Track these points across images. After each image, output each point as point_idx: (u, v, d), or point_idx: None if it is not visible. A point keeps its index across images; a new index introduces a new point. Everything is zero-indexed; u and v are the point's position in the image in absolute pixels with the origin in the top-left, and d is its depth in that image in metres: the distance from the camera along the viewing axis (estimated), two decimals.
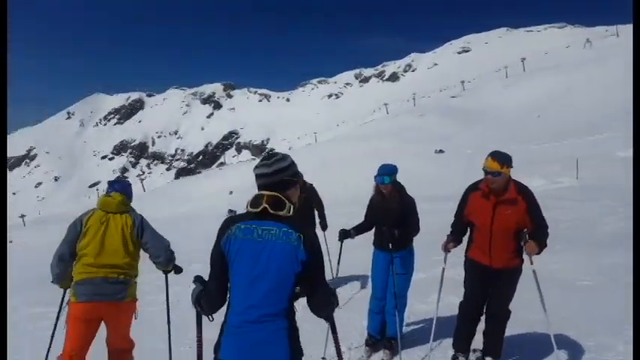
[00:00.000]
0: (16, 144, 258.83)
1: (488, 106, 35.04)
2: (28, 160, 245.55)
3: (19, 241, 39.28)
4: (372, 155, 27.82)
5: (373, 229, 5.09)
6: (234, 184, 28.14)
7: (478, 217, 4.02)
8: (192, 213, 24.28)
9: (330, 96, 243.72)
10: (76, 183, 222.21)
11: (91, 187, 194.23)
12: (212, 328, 2.42)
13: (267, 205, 2.22)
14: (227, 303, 2.29)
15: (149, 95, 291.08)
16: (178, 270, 4.13)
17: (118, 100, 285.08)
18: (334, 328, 2.57)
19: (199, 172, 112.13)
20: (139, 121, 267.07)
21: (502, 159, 3.72)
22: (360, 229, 5.08)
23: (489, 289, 4.13)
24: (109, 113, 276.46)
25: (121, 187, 3.97)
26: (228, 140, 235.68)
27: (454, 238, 4.30)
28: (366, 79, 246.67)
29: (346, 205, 16.21)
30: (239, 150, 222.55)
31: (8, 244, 35.77)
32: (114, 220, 3.71)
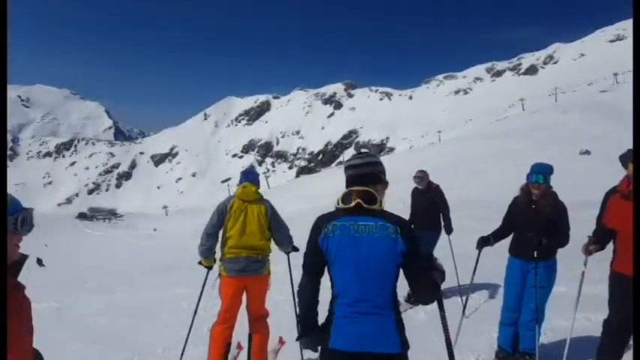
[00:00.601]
0: (162, 142, 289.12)
1: None
2: (170, 158, 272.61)
3: (162, 228, 43.67)
4: (502, 156, 25.93)
5: (511, 236, 4.68)
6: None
7: (619, 223, 3.53)
8: (311, 210, 24.64)
9: (457, 92, 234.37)
10: (210, 179, 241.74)
11: (223, 182, 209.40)
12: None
13: (360, 200, 2.22)
14: (331, 297, 2.33)
15: (275, 97, 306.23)
16: (296, 249, 4.60)
17: (248, 102, 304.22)
18: (442, 304, 2.42)
19: (319, 171, 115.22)
20: (266, 122, 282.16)
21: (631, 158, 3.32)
22: (498, 236, 4.70)
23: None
24: (240, 115, 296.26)
25: (253, 177, 4.53)
26: (348, 139, 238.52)
27: (596, 240, 3.82)
28: (499, 73, 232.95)
29: (472, 208, 15.20)
30: (358, 149, 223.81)
31: (152, 232, 39.96)
32: (250, 207, 4.31)
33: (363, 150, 2.19)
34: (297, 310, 2.48)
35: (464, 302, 5.17)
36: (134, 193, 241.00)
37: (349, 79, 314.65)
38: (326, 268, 2.35)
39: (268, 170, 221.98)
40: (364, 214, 2.23)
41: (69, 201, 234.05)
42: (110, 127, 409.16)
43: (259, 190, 4.50)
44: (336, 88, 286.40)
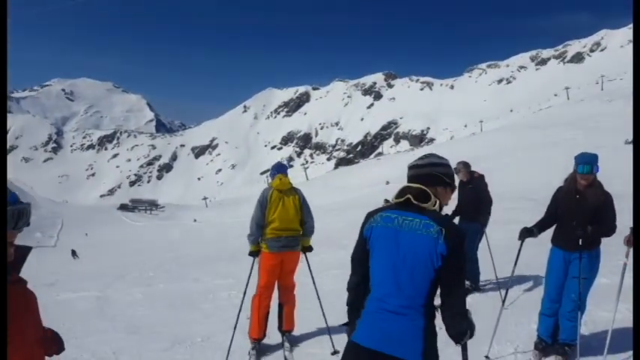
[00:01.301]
0: (202, 135, 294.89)
1: None
2: (211, 149, 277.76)
3: (202, 219, 44.62)
4: (546, 146, 25.08)
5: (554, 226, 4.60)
6: (391, 175, 27.76)
7: None
8: (348, 202, 24.54)
9: (500, 81, 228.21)
10: (249, 170, 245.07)
11: (261, 174, 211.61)
12: None
13: (410, 196, 2.19)
14: (364, 286, 2.30)
15: (314, 88, 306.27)
16: (311, 248, 5.28)
17: (287, 94, 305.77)
18: (466, 354, 2.26)
19: (358, 162, 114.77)
20: (305, 113, 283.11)
21: None
22: (542, 227, 4.62)
23: None
24: (279, 106, 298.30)
25: (284, 170, 5.24)
26: (387, 130, 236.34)
27: None
28: (543, 61, 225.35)
29: (513, 200, 14.79)
30: (397, 140, 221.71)
31: (192, 223, 40.87)
32: (287, 197, 5.03)
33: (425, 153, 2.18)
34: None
35: (503, 294, 5.08)
36: (175, 185, 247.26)
37: (389, 69, 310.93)
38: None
39: (307, 162, 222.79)
40: (412, 209, 2.18)
41: (111, 192, 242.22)
42: (152, 120, 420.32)
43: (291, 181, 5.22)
44: (376, 78, 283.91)
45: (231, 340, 4.75)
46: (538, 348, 4.58)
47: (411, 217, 2.15)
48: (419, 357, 2.05)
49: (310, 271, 5.27)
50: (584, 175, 4.18)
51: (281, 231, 4.96)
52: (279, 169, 5.21)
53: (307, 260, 5.29)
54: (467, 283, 6.29)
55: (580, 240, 4.18)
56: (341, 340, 4.22)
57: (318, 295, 5.16)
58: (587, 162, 4.15)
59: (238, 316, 4.95)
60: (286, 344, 5.12)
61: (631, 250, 3.84)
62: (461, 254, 2.13)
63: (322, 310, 5.08)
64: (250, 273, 5.11)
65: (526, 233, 4.57)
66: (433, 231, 2.09)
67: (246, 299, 5.06)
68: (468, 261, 6.18)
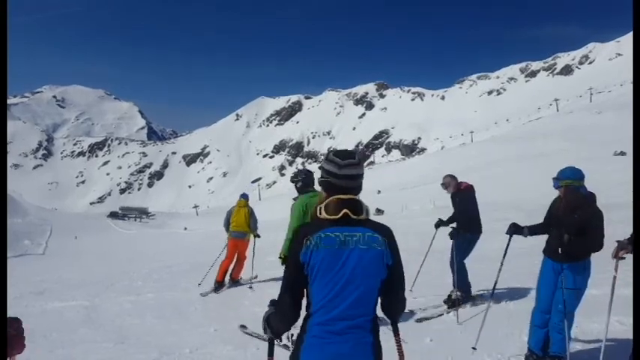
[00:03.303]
0: (194, 142, 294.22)
1: None
2: (202, 157, 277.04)
3: (193, 227, 44.40)
4: (536, 157, 25.30)
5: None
6: (383, 184, 27.85)
7: None
8: None
9: (490, 92, 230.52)
10: (240, 178, 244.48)
11: (253, 182, 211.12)
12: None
13: (347, 211, 2.05)
14: (306, 314, 2.15)
15: (307, 97, 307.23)
16: (258, 235, 9.33)
17: (280, 102, 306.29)
18: (397, 331, 2.29)
19: None
20: (297, 122, 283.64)
21: None
22: (534, 230, 4.66)
23: None
24: (271, 115, 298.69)
25: (246, 197, 9.53)
26: (379, 140, 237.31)
27: (630, 242, 3.64)
28: (533, 73, 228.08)
29: (504, 210, 14.82)
30: (389, 150, 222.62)
31: (183, 231, 40.65)
32: (242, 209, 9.15)
33: (341, 150, 2.16)
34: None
35: (488, 304, 5.08)
36: (166, 193, 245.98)
37: (381, 79, 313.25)
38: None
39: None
40: (352, 224, 2.05)
41: (101, 200, 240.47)
42: (143, 127, 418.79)
43: (247, 202, 9.31)
44: (368, 88, 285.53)
45: None
46: None
47: (353, 232, 2.04)
48: None
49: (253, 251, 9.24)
50: (559, 189, 4.32)
51: (237, 226, 9.03)
52: (244, 196, 9.55)
53: (254, 243, 9.29)
54: (458, 293, 6.28)
55: (559, 249, 4.21)
56: None
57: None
58: (560, 177, 4.28)
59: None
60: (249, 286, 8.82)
61: (620, 262, 3.82)
62: (400, 257, 2.12)
63: None
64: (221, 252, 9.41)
65: (514, 228, 4.64)
66: (380, 242, 2.04)
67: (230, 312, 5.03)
68: (456, 272, 6.25)
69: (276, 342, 2.30)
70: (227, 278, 8.95)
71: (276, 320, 2.18)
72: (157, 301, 8.54)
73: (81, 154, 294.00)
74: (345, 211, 2.04)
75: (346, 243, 2.02)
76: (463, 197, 6.49)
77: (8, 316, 2.00)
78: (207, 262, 10.50)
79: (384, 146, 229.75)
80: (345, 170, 2.11)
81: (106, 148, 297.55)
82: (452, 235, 6.35)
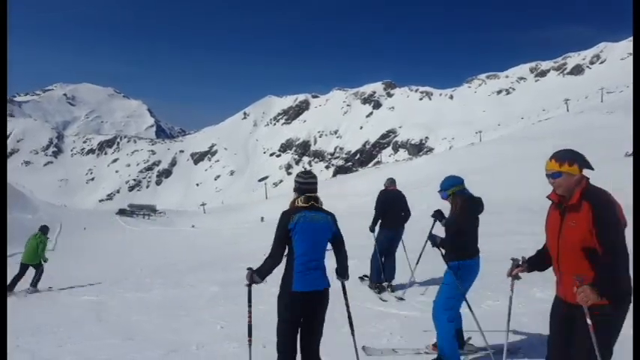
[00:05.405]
0: (201, 141, 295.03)
1: None
2: (210, 156, 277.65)
3: (200, 225, 44.56)
4: (545, 157, 25.05)
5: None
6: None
7: (548, 233, 3.07)
8: (345, 209, 24.52)
9: (499, 92, 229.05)
10: (247, 177, 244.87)
11: (260, 180, 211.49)
12: None
13: (313, 202, 3.65)
14: (291, 258, 3.56)
15: (314, 96, 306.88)
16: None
17: (287, 101, 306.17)
18: (345, 290, 3.95)
19: (356, 171, 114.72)
20: (304, 121, 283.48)
21: (561, 156, 2.93)
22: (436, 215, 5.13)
23: (570, 335, 2.91)
24: (278, 114, 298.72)
25: None
26: (386, 139, 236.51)
27: (526, 260, 3.34)
28: (543, 73, 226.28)
29: (512, 212, 14.68)
30: (396, 149, 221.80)
31: (190, 229, 40.82)
32: None
33: (306, 170, 4.32)
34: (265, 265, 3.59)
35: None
36: (173, 190, 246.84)
37: (389, 78, 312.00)
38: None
39: (305, 169, 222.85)
40: (315, 209, 3.66)
41: (110, 197, 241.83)
42: (152, 126, 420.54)
43: None
44: (376, 87, 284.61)
45: None
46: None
47: (316, 214, 3.63)
48: (328, 284, 3.62)
49: None
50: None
51: None
52: None
53: None
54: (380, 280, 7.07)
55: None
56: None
57: None
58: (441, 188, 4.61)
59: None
60: None
61: (515, 281, 3.52)
62: (339, 227, 3.73)
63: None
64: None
65: (438, 215, 4.88)
66: (330, 219, 3.67)
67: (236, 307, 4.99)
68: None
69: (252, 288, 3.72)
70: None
71: (269, 264, 3.57)
72: (164, 297, 8.58)
73: (90, 151, 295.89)
74: (311, 202, 3.64)
75: (313, 219, 3.60)
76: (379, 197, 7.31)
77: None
78: (213, 259, 10.50)
79: (391, 145, 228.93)
80: (307, 181, 3.72)
81: (115, 146, 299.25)
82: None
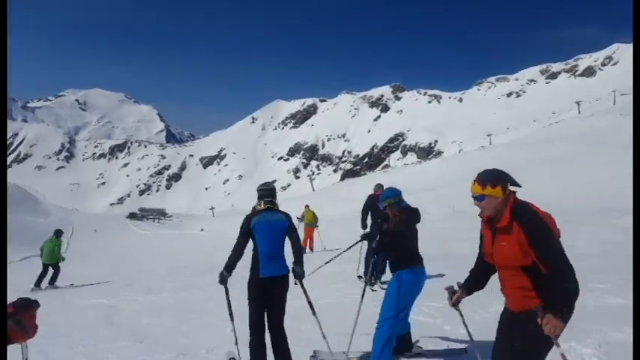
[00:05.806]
0: (210, 145, 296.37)
1: None
2: (219, 160, 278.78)
3: (209, 229, 44.68)
4: (556, 161, 24.89)
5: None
6: (398, 187, 27.40)
7: (484, 250, 3.10)
8: (351, 212, 24.41)
9: (509, 94, 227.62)
10: (255, 181, 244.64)
11: None
12: None
13: (270, 205, 4.50)
14: (256, 252, 4.35)
15: (322, 100, 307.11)
16: None
17: (295, 105, 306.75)
18: (304, 288, 4.63)
19: (364, 174, 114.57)
20: (312, 125, 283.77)
21: (483, 179, 2.91)
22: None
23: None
24: (286, 118, 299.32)
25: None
26: (394, 143, 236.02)
27: (460, 286, 3.25)
28: (554, 75, 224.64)
29: None
30: (404, 153, 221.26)
31: (199, 232, 40.96)
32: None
33: (265, 182, 5.12)
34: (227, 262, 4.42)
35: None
36: (183, 194, 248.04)
37: (397, 81, 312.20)
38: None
39: (313, 173, 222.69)
40: (272, 211, 4.49)
41: (121, 201, 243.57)
42: (162, 130, 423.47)
43: None
44: (384, 90, 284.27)
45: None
46: None
47: (273, 214, 4.45)
48: (287, 271, 4.41)
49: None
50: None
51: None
52: None
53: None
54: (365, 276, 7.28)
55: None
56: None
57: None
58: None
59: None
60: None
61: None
62: (293, 224, 4.58)
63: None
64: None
65: (366, 237, 5.41)
66: (285, 218, 4.47)
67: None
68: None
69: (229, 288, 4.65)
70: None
71: (232, 258, 4.38)
72: (174, 301, 8.63)
73: (102, 156, 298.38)
74: (268, 205, 4.49)
75: (270, 219, 4.41)
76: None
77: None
78: (223, 262, 10.51)
79: (400, 149, 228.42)
80: (264, 189, 4.60)
81: (125, 151, 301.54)
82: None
